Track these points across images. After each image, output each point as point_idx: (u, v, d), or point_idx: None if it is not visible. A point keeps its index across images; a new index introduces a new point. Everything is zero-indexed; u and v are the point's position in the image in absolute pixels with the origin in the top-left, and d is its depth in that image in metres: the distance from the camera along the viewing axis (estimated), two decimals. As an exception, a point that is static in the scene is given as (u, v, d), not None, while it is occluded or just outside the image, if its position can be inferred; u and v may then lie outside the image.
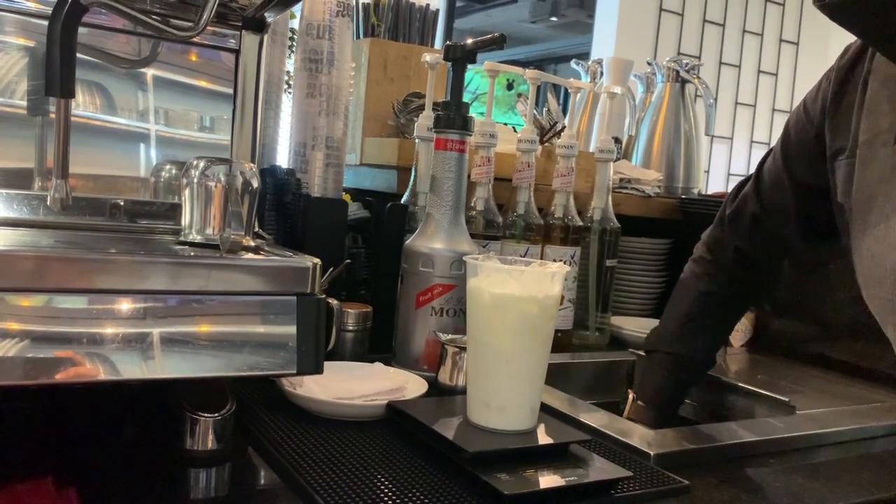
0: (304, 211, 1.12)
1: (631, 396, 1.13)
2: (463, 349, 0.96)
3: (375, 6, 1.54)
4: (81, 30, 0.76)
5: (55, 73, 0.74)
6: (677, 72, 1.90)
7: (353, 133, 1.48)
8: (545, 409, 0.90)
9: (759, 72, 4.30)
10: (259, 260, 0.73)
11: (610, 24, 3.90)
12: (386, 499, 0.67)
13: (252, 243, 0.81)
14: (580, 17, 5.46)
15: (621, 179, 1.66)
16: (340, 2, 1.19)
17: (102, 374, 0.64)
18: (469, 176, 1.18)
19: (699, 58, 3.95)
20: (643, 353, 1.16)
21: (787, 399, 1.13)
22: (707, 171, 4.01)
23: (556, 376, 1.13)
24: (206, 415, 0.74)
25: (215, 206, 0.82)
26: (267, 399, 0.90)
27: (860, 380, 1.32)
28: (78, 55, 0.76)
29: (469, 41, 1.07)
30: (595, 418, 0.94)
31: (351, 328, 1.08)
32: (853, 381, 1.31)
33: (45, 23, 0.74)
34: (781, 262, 1.15)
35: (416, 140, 1.28)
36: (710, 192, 1.97)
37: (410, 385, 0.95)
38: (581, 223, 1.37)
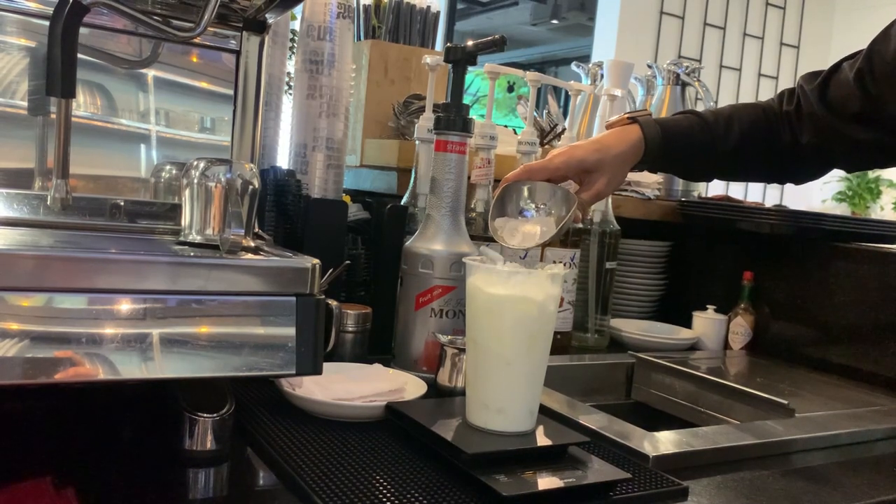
0: (304, 212, 1.12)
1: (647, 111, 1.12)
2: (462, 351, 0.96)
3: (376, 8, 1.54)
4: (82, 30, 0.76)
5: (56, 73, 0.74)
6: (677, 75, 1.91)
7: (354, 134, 1.48)
8: (544, 410, 0.90)
9: (760, 75, 4.31)
10: (259, 260, 0.73)
11: (611, 26, 3.91)
12: (384, 499, 0.67)
13: (252, 244, 0.81)
14: (581, 19, 5.47)
15: (621, 182, 1.66)
16: (341, 3, 1.19)
17: (102, 374, 0.64)
18: (469, 177, 1.19)
19: (700, 61, 3.96)
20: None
21: (786, 402, 1.13)
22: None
23: (555, 378, 1.13)
24: (205, 415, 0.75)
25: (215, 207, 0.82)
26: (266, 400, 0.90)
27: (859, 383, 1.32)
28: (79, 56, 0.76)
29: (469, 43, 1.07)
30: (594, 420, 0.94)
31: (350, 329, 1.08)
32: (852, 385, 1.31)
33: (47, 23, 0.75)
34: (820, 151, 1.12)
35: (417, 142, 1.28)
36: (709, 195, 1.97)
37: (409, 386, 0.95)
38: (581, 225, 1.38)
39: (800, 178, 1.17)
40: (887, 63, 1.02)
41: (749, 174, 1.27)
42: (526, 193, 0.98)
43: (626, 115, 1.09)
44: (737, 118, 1.11)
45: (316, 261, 0.74)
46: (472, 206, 1.23)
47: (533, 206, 0.97)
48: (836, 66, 1.10)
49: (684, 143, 1.10)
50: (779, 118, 1.12)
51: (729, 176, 1.26)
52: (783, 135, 1.12)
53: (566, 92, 1.55)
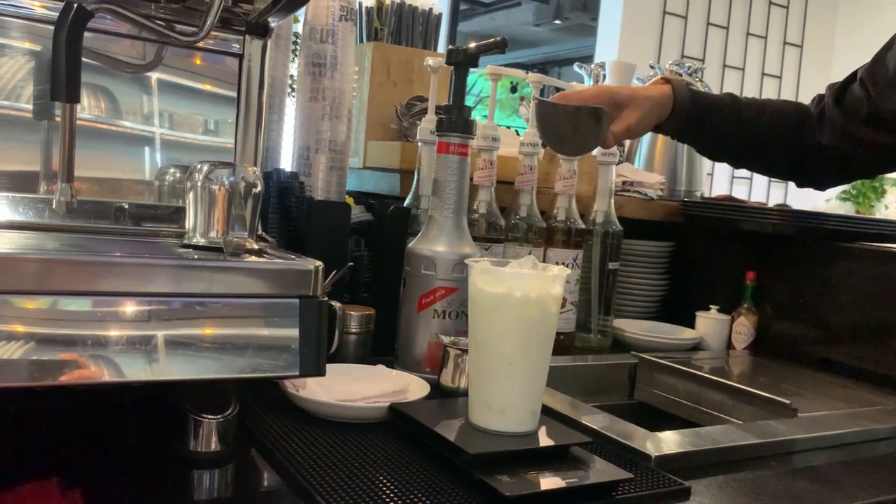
0: (307, 214, 1.12)
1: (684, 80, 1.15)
2: (465, 351, 0.96)
3: (379, 10, 1.54)
4: (87, 35, 0.76)
5: (61, 77, 0.75)
6: (680, 75, 1.91)
7: (357, 136, 1.48)
8: (546, 411, 0.91)
9: (763, 74, 4.30)
10: (262, 263, 0.74)
11: (613, 27, 3.91)
12: (388, 500, 0.67)
13: (255, 246, 0.81)
14: (584, 20, 5.47)
15: (624, 182, 1.66)
16: (344, 6, 1.20)
17: (107, 376, 0.64)
18: (471, 179, 1.19)
19: (703, 60, 3.95)
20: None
21: (788, 401, 1.13)
22: (710, 174, 4.01)
23: (557, 379, 1.13)
24: (209, 416, 0.75)
25: (219, 210, 0.83)
26: (270, 401, 0.90)
27: (862, 382, 1.32)
28: (83, 60, 0.77)
29: (471, 45, 1.07)
30: (596, 420, 0.95)
31: (354, 331, 1.08)
32: (855, 384, 1.31)
33: (51, 28, 0.75)
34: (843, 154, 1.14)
35: (419, 143, 1.28)
36: (713, 195, 1.97)
37: (412, 387, 0.95)
38: (583, 226, 1.38)
39: (820, 181, 1.21)
40: (887, 70, 1.05)
41: (769, 165, 1.27)
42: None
43: (661, 77, 1.13)
44: (769, 108, 1.15)
45: (319, 263, 0.74)
46: (475, 207, 1.23)
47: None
48: (854, 72, 1.13)
49: (712, 113, 1.13)
50: (808, 118, 1.15)
51: (747, 161, 1.26)
52: (809, 135, 1.14)
53: (568, 93, 1.55)
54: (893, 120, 1.05)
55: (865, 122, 1.08)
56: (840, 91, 1.13)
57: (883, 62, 1.06)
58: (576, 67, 2.11)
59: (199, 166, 0.84)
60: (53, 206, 0.80)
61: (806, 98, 1.18)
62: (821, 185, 1.23)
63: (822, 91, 1.16)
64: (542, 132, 1.08)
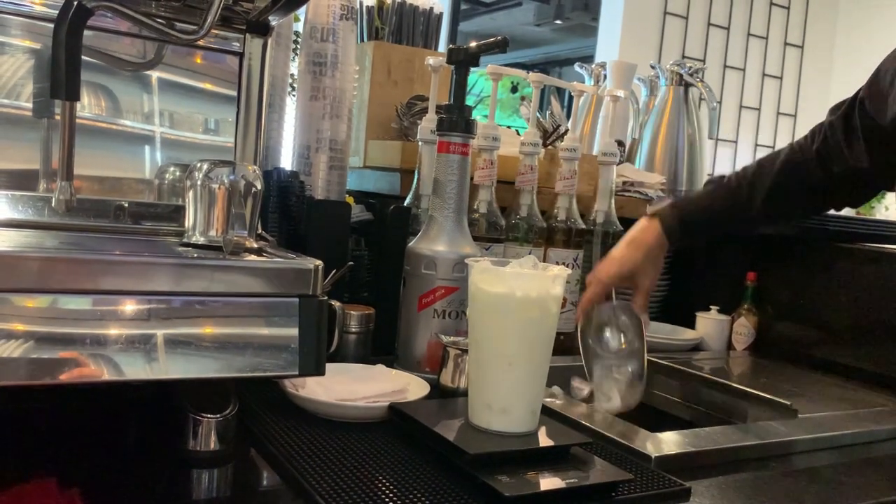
0: (307, 213, 1.12)
1: (668, 201, 1.18)
2: (465, 351, 0.96)
3: (379, 9, 1.54)
4: (87, 33, 0.76)
5: (60, 75, 0.75)
6: (681, 75, 1.91)
7: (357, 136, 1.48)
8: (546, 411, 0.91)
9: (764, 75, 4.30)
10: (261, 262, 0.74)
11: (614, 27, 3.90)
12: (387, 500, 0.67)
13: (255, 245, 0.81)
14: (584, 20, 5.46)
15: (624, 183, 1.66)
16: (344, 5, 1.20)
17: (106, 375, 0.64)
18: (472, 179, 1.19)
19: (703, 61, 3.95)
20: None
21: (788, 402, 1.13)
22: (711, 175, 4.01)
23: (558, 379, 1.13)
24: (208, 416, 0.75)
25: (219, 209, 0.83)
26: (269, 400, 0.90)
27: (862, 383, 1.32)
28: (83, 58, 0.77)
29: (472, 44, 1.07)
30: (596, 421, 0.94)
31: (353, 330, 1.08)
32: (855, 385, 1.31)
33: (51, 25, 0.75)
34: (856, 178, 1.13)
35: (420, 143, 1.28)
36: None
37: (412, 387, 0.95)
38: (584, 226, 1.38)
39: (848, 202, 1.21)
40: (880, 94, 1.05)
41: (791, 216, 1.30)
42: (601, 319, 1.14)
43: (649, 213, 1.16)
44: (759, 179, 1.15)
45: (318, 262, 0.74)
46: (475, 207, 1.23)
47: (609, 333, 1.14)
48: (857, 92, 1.12)
49: (705, 221, 1.18)
50: (808, 158, 1.14)
51: (771, 225, 1.30)
52: (814, 172, 1.14)
53: (569, 93, 1.55)
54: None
55: (868, 140, 1.08)
56: (846, 115, 1.12)
57: (877, 79, 1.06)
58: (576, 67, 2.11)
59: (199, 165, 0.84)
60: (53, 205, 0.79)
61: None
62: (852, 204, 1.22)
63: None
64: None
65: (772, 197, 1.14)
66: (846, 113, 1.11)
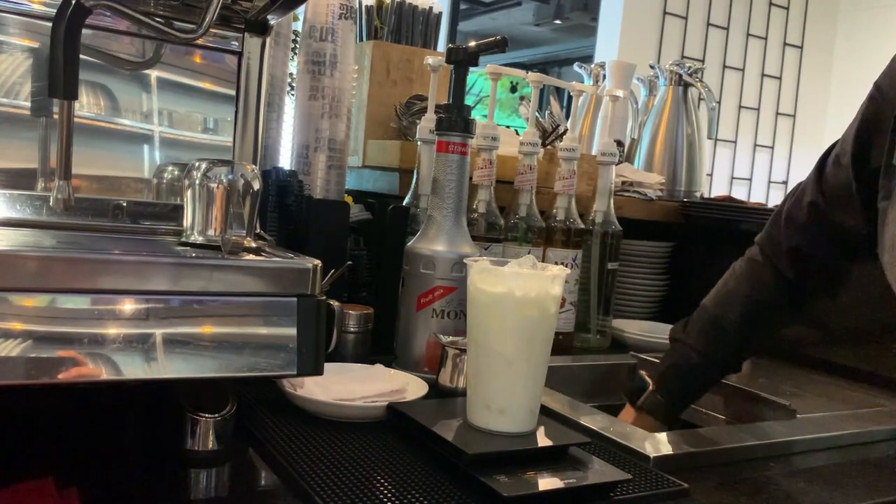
0: (306, 213, 1.12)
1: (651, 388, 1.10)
2: (463, 351, 0.96)
3: (378, 9, 1.54)
4: (85, 31, 0.76)
5: (58, 74, 0.75)
6: (680, 75, 1.91)
7: (356, 135, 1.48)
8: (545, 411, 0.90)
9: (763, 75, 4.30)
10: (260, 261, 0.74)
11: (614, 27, 3.90)
12: (385, 500, 0.67)
13: (253, 245, 0.81)
14: (584, 20, 5.46)
15: (623, 182, 1.66)
16: (343, 4, 1.20)
17: (104, 375, 0.64)
18: (471, 178, 1.19)
19: (703, 61, 3.95)
20: (669, 340, 1.12)
21: (787, 403, 1.13)
22: (710, 175, 4.02)
23: (556, 379, 1.13)
24: (206, 415, 0.75)
25: (217, 208, 0.82)
26: (268, 400, 0.90)
27: (861, 384, 1.32)
28: (81, 57, 0.76)
29: (471, 44, 1.07)
30: (595, 421, 0.94)
31: (352, 330, 1.08)
32: (854, 385, 1.31)
33: (49, 24, 0.75)
34: (842, 262, 1.05)
35: (419, 142, 1.28)
36: (712, 196, 1.97)
37: (411, 387, 0.95)
38: (583, 226, 1.38)
39: (826, 296, 1.11)
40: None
41: (771, 338, 1.16)
42: None
43: (637, 405, 1.10)
44: (720, 328, 1.07)
45: (317, 261, 0.74)
46: (474, 206, 1.23)
47: None
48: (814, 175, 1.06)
49: (688, 389, 1.10)
50: (770, 290, 1.07)
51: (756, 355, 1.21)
52: (780, 297, 1.07)
53: (569, 93, 1.55)
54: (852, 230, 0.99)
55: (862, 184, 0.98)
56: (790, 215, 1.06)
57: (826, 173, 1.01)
58: (576, 67, 2.11)
59: (197, 164, 0.84)
60: (51, 204, 0.79)
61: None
62: (831, 296, 1.11)
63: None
64: None
65: (745, 344, 1.07)
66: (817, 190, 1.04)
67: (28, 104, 0.90)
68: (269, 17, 0.98)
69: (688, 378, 1.10)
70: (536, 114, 1.39)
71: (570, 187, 1.35)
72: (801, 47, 4.37)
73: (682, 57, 3.89)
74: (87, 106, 0.93)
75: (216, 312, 0.69)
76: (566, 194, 1.36)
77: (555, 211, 1.36)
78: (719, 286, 1.12)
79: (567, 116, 1.85)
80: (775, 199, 4.34)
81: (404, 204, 1.26)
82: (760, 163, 4.40)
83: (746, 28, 4.22)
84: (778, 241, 1.07)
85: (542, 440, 0.80)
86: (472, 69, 1.09)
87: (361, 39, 1.54)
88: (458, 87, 1.08)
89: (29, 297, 0.62)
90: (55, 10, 0.75)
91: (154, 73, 0.97)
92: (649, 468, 0.82)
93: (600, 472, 0.76)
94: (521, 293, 0.79)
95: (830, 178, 1.01)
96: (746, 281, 1.09)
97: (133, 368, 0.65)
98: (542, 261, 1.29)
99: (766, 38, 4.28)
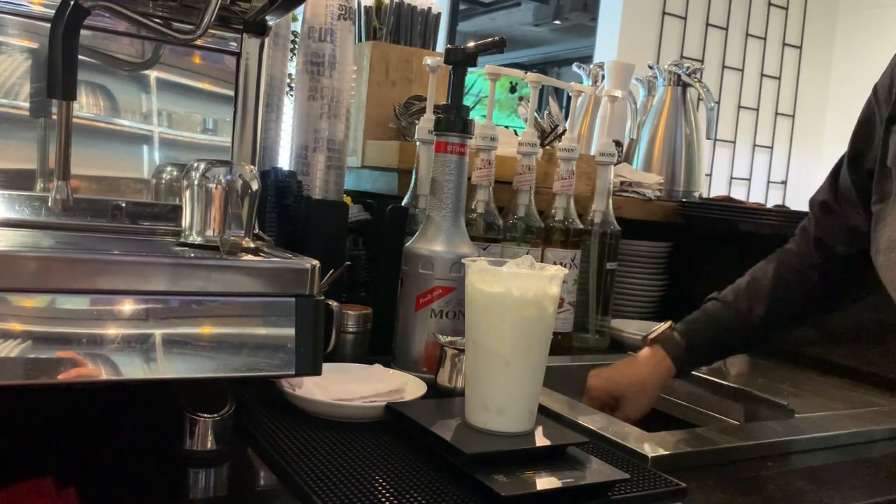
0: (305, 213, 1.12)
1: (668, 324, 1.12)
2: (462, 351, 0.96)
3: (377, 9, 1.54)
4: (84, 32, 0.76)
5: (57, 75, 0.75)
6: (679, 75, 1.91)
7: (355, 135, 1.48)
8: (543, 411, 0.91)
9: (762, 75, 4.30)
10: (258, 261, 0.74)
11: (613, 27, 3.90)
12: (384, 500, 0.67)
13: (252, 245, 0.81)
14: (583, 20, 5.46)
15: (622, 183, 1.66)
16: (342, 5, 1.20)
17: (103, 375, 0.64)
18: (470, 179, 1.19)
19: (702, 61, 3.95)
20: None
21: (786, 403, 1.13)
22: (709, 175, 4.01)
23: (555, 379, 1.13)
24: (205, 415, 0.75)
25: (215, 208, 0.82)
26: (266, 400, 0.90)
27: (859, 384, 1.32)
28: (80, 57, 0.77)
29: (470, 44, 1.07)
30: (593, 421, 0.95)
31: (351, 330, 1.08)
32: (852, 385, 1.31)
33: (48, 25, 0.75)
34: (860, 258, 1.06)
35: (417, 143, 1.28)
36: (711, 196, 1.97)
37: (409, 387, 0.95)
38: (581, 226, 1.38)
39: (854, 294, 1.14)
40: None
41: (799, 322, 1.20)
42: None
43: (650, 340, 1.11)
44: (755, 286, 1.11)
45: (315, 262, 0.74)
46: (473, 207, 1.23)
47: None
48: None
49: (709, 338, 1.11)
50: (802, 251, 1.12)
51: (779, 334, 1.23)
52: (811, 259, 1.10)
53: (567, 93, 1.55)
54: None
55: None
56: (823, 209, 1.09)
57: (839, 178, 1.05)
58: (575, 68, 2.11)
59: (196, 165, 0.84)
60: (50, 204, 0.79)
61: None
62: (858, 296, 1.14)
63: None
64: None
65: (773, 301, 1.09)
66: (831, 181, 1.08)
67: (27, 105, 0.90)
68: (267, 17, 0.98)
69: (712, 325, 1.11)
70: (535, 114, 1.39)
71: (568, 187, 1.35)
72: (801, 47, 4.37)
73: (681, 57, 3.89)
74: (85, 106, 0.93)
75: (215, 313, 0.69)
76: (565, 194, 1.36)
77: (553, 211, 1.36)
78: (759, 267, 1.16)
79: (566, 117, 1.85)
80: (774, 199, 4.35)
81: (403, 204, 1.26)
82: (759, 163, 4.40)
83: (745, 28, 4.22)
84: (806, 230, 1.12)
85: (541, 440, 0.80)
86: (470, 69, 1.10)
87: (360, 40, 1.54)
88: (457, 87, 1.08)
89: (28, 297, 0.62)
90: (54, 11, 0.75)
91: (153, 74, 0.97)
92: (647, 468, 0.82)
93: (598, 471, 0.76)
94: (519, 293, 0.79)
95: (841, 177, 1.05)
96: (782, 252, 1.14)
97: (132, 369, 0.65)
98: (541, 261, 1.30)
99: (765, 39, 4.28)
